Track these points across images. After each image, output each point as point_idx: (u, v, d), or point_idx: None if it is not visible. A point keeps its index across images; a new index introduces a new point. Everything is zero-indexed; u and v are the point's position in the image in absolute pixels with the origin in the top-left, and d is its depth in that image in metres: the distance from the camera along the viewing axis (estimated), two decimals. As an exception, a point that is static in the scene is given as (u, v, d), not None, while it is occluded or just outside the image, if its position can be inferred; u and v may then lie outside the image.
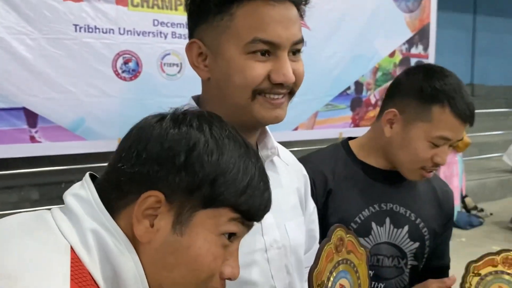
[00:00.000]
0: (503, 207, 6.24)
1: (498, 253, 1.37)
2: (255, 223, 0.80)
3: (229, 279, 0.76)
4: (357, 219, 1.32)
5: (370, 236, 1.33)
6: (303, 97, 4.50)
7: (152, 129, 0.74)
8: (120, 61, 3.66)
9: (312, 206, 1.17)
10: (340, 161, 1.38)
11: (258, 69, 0.91)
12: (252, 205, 0.75)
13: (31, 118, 3.37)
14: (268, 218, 0.97)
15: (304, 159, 1.38)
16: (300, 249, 1.07)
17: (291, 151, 1.26)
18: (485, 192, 6.62)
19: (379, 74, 5.17)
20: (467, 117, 1.28)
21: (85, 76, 3.51)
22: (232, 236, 0.75)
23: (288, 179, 1.09)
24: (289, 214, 1.06)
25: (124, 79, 3.69)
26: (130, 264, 0.71)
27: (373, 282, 1.32)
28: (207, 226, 0.72)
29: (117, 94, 3.63)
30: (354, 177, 1.37)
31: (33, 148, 3.41)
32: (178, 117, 0.75)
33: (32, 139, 3.39)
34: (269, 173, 1.01)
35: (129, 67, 3.71)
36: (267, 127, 1.04)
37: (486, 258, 1.37)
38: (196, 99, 1.02)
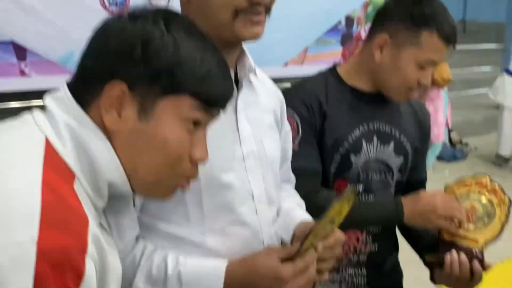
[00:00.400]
0: (487, 142, 6.40)
1: (473, 177, 1.50)
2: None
3: (201, 162, 0.85)
4: (349, 138, 1.43)
5: (361, 153, 1.44)
6: (293, 32, 4.47)
7: (111, 26, 0.80)
8: (108, -7, 3.59)
9: (287, 129, 1.27)
10: (330, 85, 1.47)
11: None
12: (212, 92, 0.81)
13: (20, 52, 3.34)
14: (246, 131, 1.08)
15: (298, 87, 1.49)
16: (275, 162, 1.17)
17: (281, 87, 1.31)
18: (470, 127, 6.75)
19: (369, 9, 5.11)
20: (452, 40, 1.38)
21: (72, 9, 3.45)
22: (197, 123, 0.82)
23: (265, 99, 1.18)
24: (265, 130, 1.15)
25: (112, 12, 3.64)
26: (104, 151, 0.77)
27: (363, 195, 1.45)
28: (170, 112, 0.78)
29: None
30: (344, 100, 1.46)
31: (23, 82, 3.41)
32: (135, 13, 0.80)
33: (22, 73, 3.38)
34: (247, 91, 1.10)
35: (116, 0, 3.65)
36: (245, 49, 1.12)
37: (462, 181, 1.50)
38: None
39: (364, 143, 1.44)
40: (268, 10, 1.04)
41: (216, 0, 0.99)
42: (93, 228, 0.72)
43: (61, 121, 0.76)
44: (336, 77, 1.50)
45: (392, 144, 1.48)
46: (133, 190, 0.84)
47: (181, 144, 0.81)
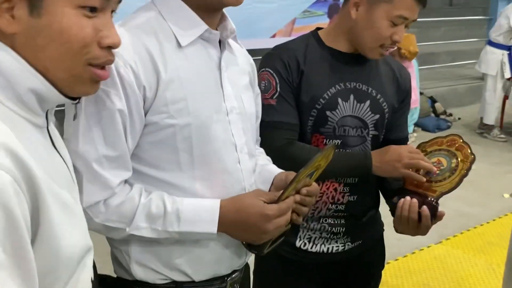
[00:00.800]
0: (471, 112, 6.52)
1: (446, 136, 1.59)
2: None
3: (112, 47, 0.83)
4: (325, 95, 1.52)
5: (337, 110, 1.53)
6: (281, 3, 4.50)
7: None
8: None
9: (258, 92, 1.37)
10: (310, 47, 1.56)
11: None
12: None
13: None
14: (228, 88, 1.18)
15: (279, 48, 1.58)
16: (253, 117, 1.28)
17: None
18: (455, 98, 6.86)
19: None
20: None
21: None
22: (94, 9, 0.80)
23: (242, 61, 1.27)
24: (243, 89, 1.25)
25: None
26: (9, 60, 0.76)
27: (340, 150, 1.54)
28: (61, 2, 0.77)
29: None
30: (322, 60, 1.55)
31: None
32: None
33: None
34: (227, 53, 1.19)
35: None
36: (226, 13, 1.19)
37: (435, 140, 1.60)
38: None
39: (340, 101, 1.54)
40: None
41: None
42: (8, 143, 0.70)
43: None
44: (317, 39, 1.59)
45: (368, 102, 1.56)
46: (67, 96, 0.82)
47: (81, 31, 0.79)
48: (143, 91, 1.06)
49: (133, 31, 1.08)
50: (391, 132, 1.64)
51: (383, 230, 1.77)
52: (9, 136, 0.71)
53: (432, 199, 1.47)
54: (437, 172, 1.49)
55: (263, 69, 1.55)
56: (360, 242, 1.67)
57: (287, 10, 4.76)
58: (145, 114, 1.08)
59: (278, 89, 1.51)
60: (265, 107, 1.50)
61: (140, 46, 1.07)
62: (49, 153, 0.82)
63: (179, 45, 1.11)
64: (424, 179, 1.47)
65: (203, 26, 1.12)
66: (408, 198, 1.47)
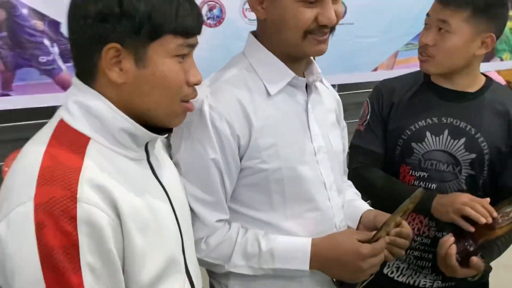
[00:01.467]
0: None
1: None
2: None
3: (197, 84, 0.98)
4: (412, 127, 1.56)
5: (424, 143, 1.55)
6: (383, 36, 4.48)
7: (81, 1, 0.90)
8: (205, 8, 3.84)
9: (344, 125, 1.43)
10: (415, 83, 1.61)
11: (308, 13, 1.11)
12: (187, 25, 0.93)
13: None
14: (315, 129, 1.24)
15: (384, 81, 1.68)
16: (340, 154, 1.34)
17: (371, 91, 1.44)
18: None
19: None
20: None
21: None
22: (184, 56, 0.95)
23: (327, 100, 1.34)
24: (330, 127, 1.31)
25: (210, 25, 3.88)
26: (104, 107, 0.91)
27: (426, 183, 1.54)
28: (161, 53, 0.91)
29: (204, 41, 3.83)
30: (423, 97, 1.57)
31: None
32: None
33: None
34: (314, 95, 1.26)
35: (213, 14, 3.89)
36: (312, 58, 1.27)
37: None
38: (254, 34, 1.24)
39: (428, 134, 1.55)
40: (332, 29, 1.17)
41: (290, 22, 1.12)
42: (94, 178, 0.84)
43: (71, 100, 0.92)
44: (425, 76, 1.61)
45: (463, 140, 1.53)
46: (154, 131, 0.96)
47: (177, 76, 0.94)
48: (238, 139, 1.15)
49: (224, 87, 1.17)
50: (500, 177, 1.57)
51: (489, 272, 1.57)
52: (94, 170, 0.85)
53: (470, 244, 1.42)
54: (499, 221, 1.44)
55: (367, 98, 1.66)
56: (453, 284, 1.61)
57: (389, 44, 4.70)
58: (240, 160, 1.17)
59: (368, 118, 1.62)
60: (356, 132, 1.65)
61: (234, 99, 1.16)
62: (147, 181, 0.97)
63: (268, 94, 1.19)
64: (473, 229, 1.42)
65: (290, 74, 1.20)
66: (449, 235, 1.45)
